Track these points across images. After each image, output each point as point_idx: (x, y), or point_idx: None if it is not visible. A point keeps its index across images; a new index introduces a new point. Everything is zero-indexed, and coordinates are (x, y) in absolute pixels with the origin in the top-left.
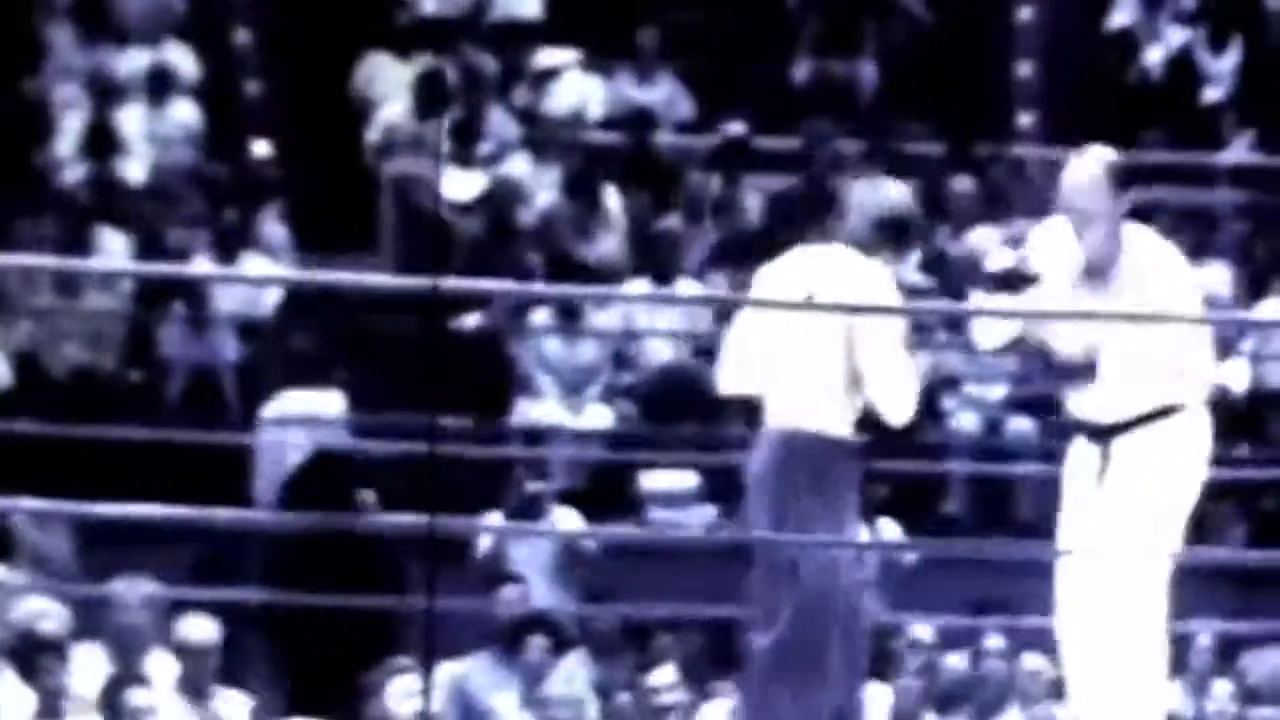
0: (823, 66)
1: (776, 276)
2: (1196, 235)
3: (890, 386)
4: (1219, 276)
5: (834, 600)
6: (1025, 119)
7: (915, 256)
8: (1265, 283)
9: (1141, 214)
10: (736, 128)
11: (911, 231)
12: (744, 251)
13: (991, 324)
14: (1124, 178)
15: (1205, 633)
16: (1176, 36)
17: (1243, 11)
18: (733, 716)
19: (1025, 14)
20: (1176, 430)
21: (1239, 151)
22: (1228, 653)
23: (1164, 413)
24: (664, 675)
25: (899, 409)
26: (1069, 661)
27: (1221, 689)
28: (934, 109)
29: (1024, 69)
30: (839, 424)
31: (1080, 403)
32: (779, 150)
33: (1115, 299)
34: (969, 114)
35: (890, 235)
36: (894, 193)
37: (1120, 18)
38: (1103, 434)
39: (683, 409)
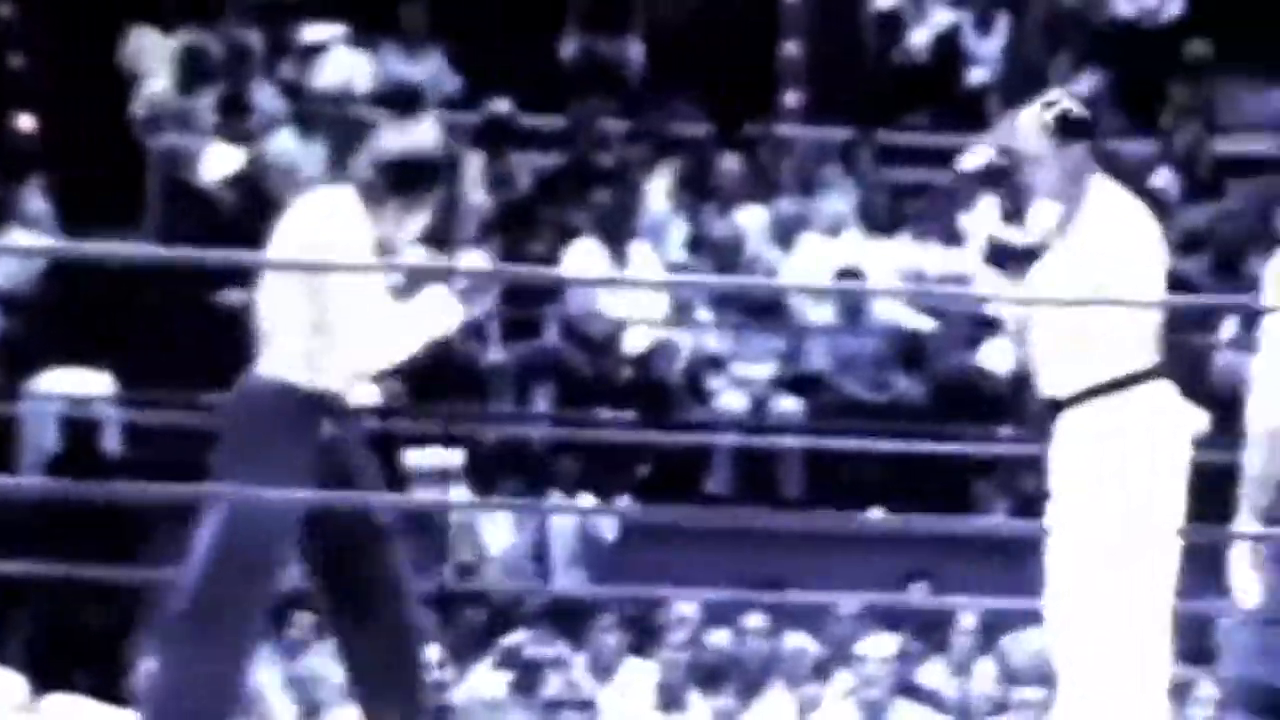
0: (590, 44)
1: (283, 221)
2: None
3: (357, 337)
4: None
5: (254, 555)
6: (791, 98)
7: (680, 234)
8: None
9: (904, 194)
10: (502, 105)
11: (427, 180)
12: (508, 227)
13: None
14: (1073, 127)
15: (965, 611)
16: (942, 18)
17: None
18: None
19: None
20: (1133, 404)
21: (1002, 133)
22: (991, 634)
23: (1119, 384)
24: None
25: (366, 361)
26: (1055, 644)
27: (985, 670)
28: (701, 88)
29: (790, 48)
30: (300, 372)
31: (1037, 372)
32: (545, 128)
33: (1068, 255)
34: (735, 93)
35: (399, 182)
36: (419, 137)
37: None
38: (1050, 409)
39: (447, 384)
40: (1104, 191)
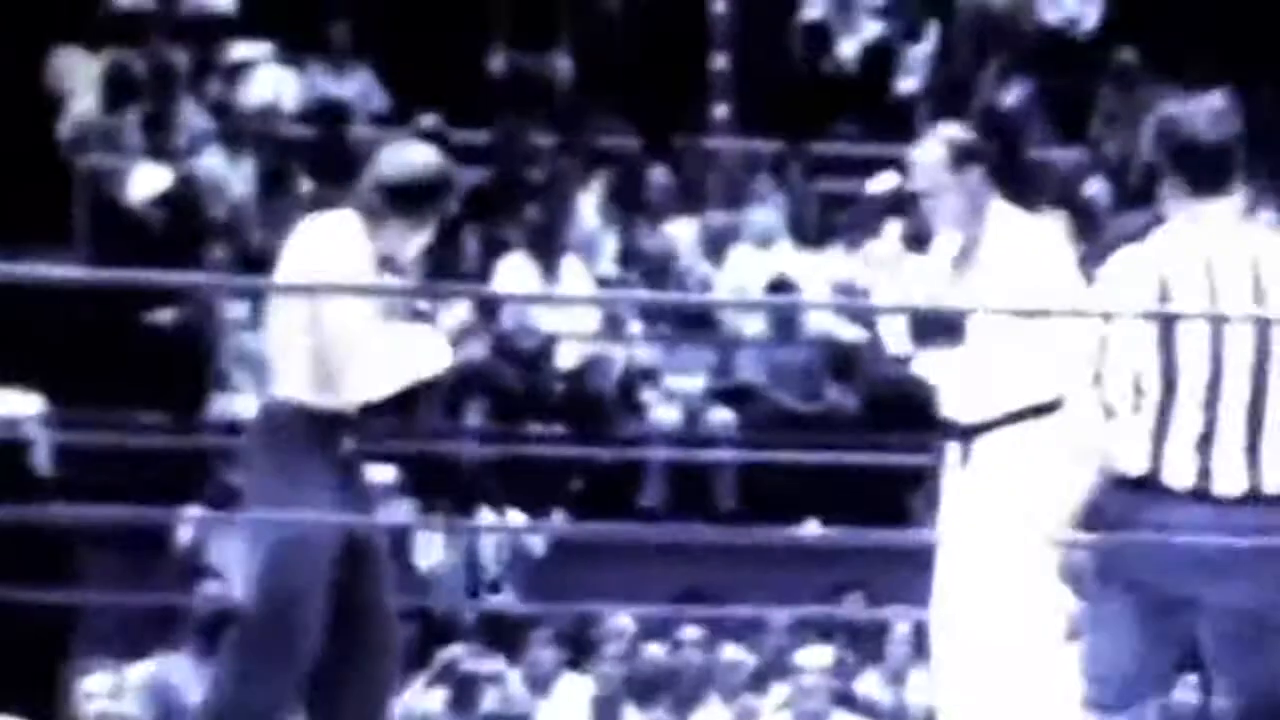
0: (517, 59)
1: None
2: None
3: (343, 361)
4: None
5: (296, 582)
6: (720, 110)
7: (611, 247)
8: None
9: (834, 205)
10: (431, 120)
11: (430, 200)
12: (439, 243)
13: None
14: (969, 155)
15: (901, 621)
16: (871, 28)
17: (936, 1)
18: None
19: (719, 6)
20: (1041, 433)
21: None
22: (925, 643)
23: (1031, 413)
24: None
25: (365, 386)
26: (938, 659)
27: (920, 678)
28: (629, 102)
29: (718, 61)
30: (317, 395)
31: (943, 401)
32: (473, 144)
33: (974, 283)
34: (664, 106)
35: (402, 203)
36: (417, 157)
37: (813, 11)
38: (963, 435)
39: (383, 401)
40: (1003, 215)
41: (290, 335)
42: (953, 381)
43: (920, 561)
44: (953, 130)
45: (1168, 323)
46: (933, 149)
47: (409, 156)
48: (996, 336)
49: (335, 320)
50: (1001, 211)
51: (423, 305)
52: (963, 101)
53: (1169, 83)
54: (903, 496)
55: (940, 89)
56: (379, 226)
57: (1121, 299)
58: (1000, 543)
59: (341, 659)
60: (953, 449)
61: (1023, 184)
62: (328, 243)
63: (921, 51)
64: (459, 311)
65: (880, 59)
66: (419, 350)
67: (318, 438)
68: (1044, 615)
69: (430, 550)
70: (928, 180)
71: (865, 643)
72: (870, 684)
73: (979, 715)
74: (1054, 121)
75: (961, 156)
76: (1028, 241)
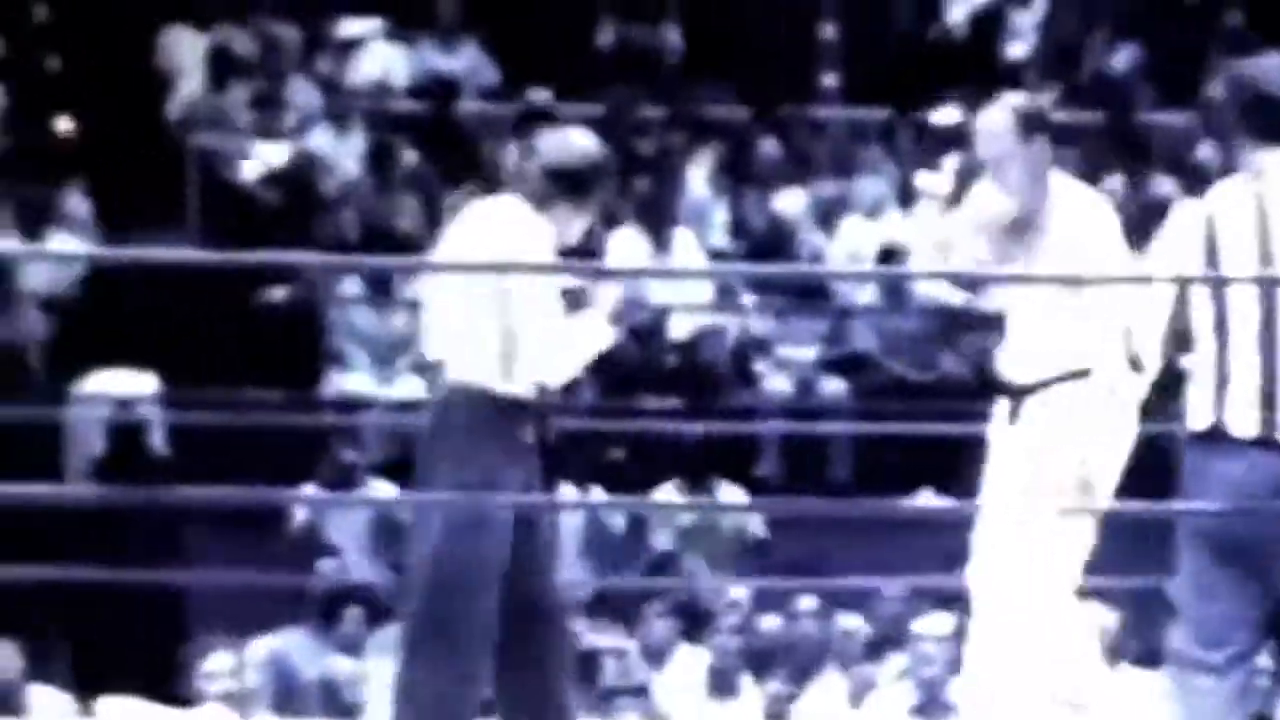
0: (625, 32)
1: (451, 230)
2: None
3: (539, 348)
4: None
5: (478, 563)
6: (828, 80)
7: (721, 219)
8: None
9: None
10: (541, 94)
11: (592, 184)
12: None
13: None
14: (1035, 123)
15: None
16: None
17: None
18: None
19: None
20: (1088, 394)
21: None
22: None
23: (1078, 375)
24: None
25: (549, 371)
26: (976, 620)
27: None
28: (737, 73)
29: (826, 30)
30: (500, 379)
31: (999, 360)
32: (583, 117)
33: (1040, 254)
34: (772, 77)
35: (567, 187)
36: (577, 143)
37: None
38: (1015, 393)
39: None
40: (1066, 187)
41: (475, 320)
42: (1008, 342)
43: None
44: (1018, 98)
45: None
46: (998, 117)
47: (572, 142)
48: (1052, 301)
49: (526, 304)
50: (1063, 183)
51: (578, 285)
52: (1072, 67)
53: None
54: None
55: (1049, 54)
56: (545, 211)
57: (1172, 254)
58: (1042, 501)
59: (514, 647)
60: (1002, 406)
61: (1132, 148)
62: (513, 226)
63: (1030, 17)
64: (614, 289)
65: (988, 25)
66: (589, 331)
67: (504, 424)
68: (1075, 574)
69: None
70: (993, 148)
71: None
72: None
73: (1009, 672)
74: (1164, 85)
75: (1027, 125)
76: (1088, 214)
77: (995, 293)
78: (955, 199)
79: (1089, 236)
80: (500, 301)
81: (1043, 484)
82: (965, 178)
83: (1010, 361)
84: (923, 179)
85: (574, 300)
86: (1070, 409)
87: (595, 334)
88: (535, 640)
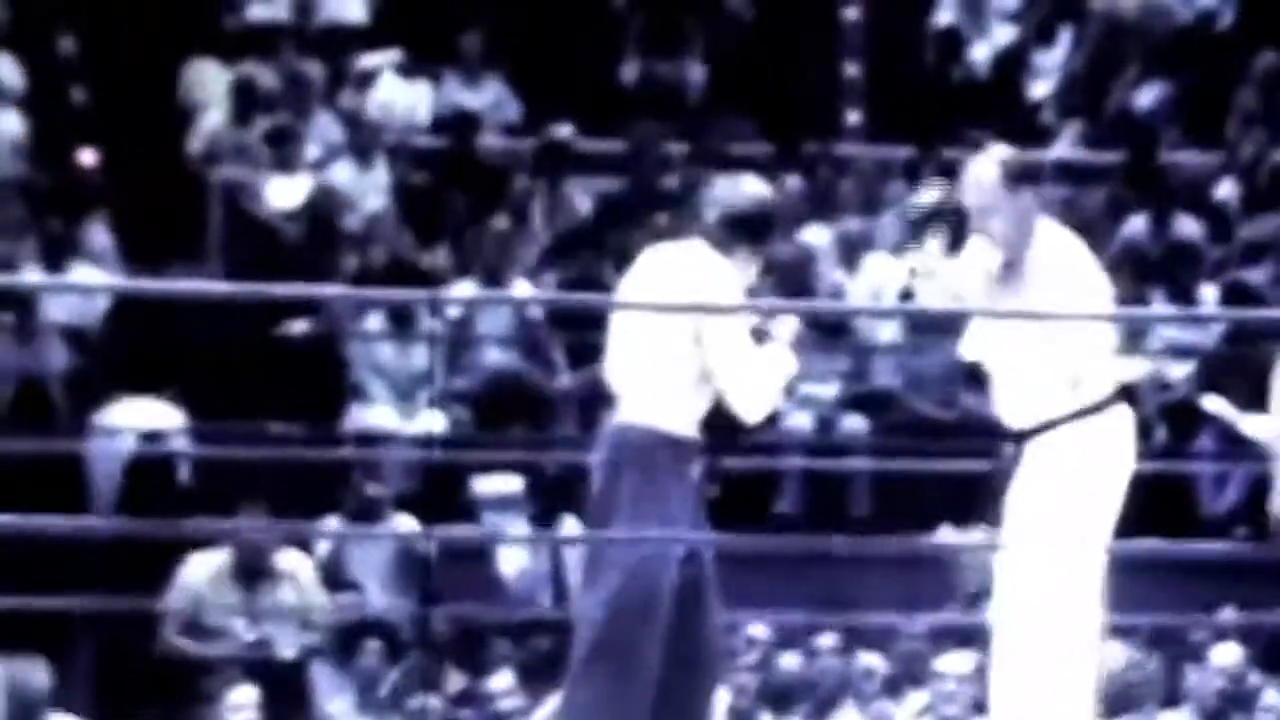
0: (649, 68)
1: (633, 273)
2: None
3: (739, 385)
4: None
5: (652, 600)
6: (852, 117)
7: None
8: None
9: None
10: (563, 130)
11: (768, 229)
12: (572, 252)
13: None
14: (1022, 174)
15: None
16: (1003, 34)
17: (1069, 4)
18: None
19: (850, 13)
20: (1090, 432)
21: (1064, 147)
22: None
23: (1078, 415)
24: (501, 681)
25: (751, 407)
26: (995, 658)
27: None
28: (761, 109)
29: (850, 68)
30: (677, 421)
31: (1000, 406)
32: (606, 152)
33: (1021, 299)
34: (795, 113)
35: (745, 232)
36: (751, 189)
37: (944, 16)
38: (1018, 438)
39: (514, 412)
40: (1050, 234)
41: (667, 361)
42: (1005, 387)
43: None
44: (1005, 150)
45: None
46: (987, 168)
47: (747, 189)
48: (1042, 344)
49: (724, 346)
50: (1049, 231)
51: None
52: (1095, 105)
53: None
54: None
55: (1073, 93)
56: (725, 255)
57: None
58: (1053, 542)
59: (673, 684)
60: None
61: (1155, 187)
62: (702, 270)
63: (1054, 55)
64: (790, 321)
65: (1012, 63)
66: (776, 364)
67: (679, 463)
68: (1093, 613)
69: (514, 558)
70: (981, 198)
71: None
72: None
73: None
74: (1189, 124)
75: (1015, 176)
76: (1072, 261)
77: (976, 343)
78: (953, 247)
79: (1071, 280)
80: (694, 345)
81: (1054, 524)
82: (951, 250)
83: (1007, 407)
84: (913, 260)
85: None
86: (1071, 449)
87: (782, 366)
88: (690, 678)
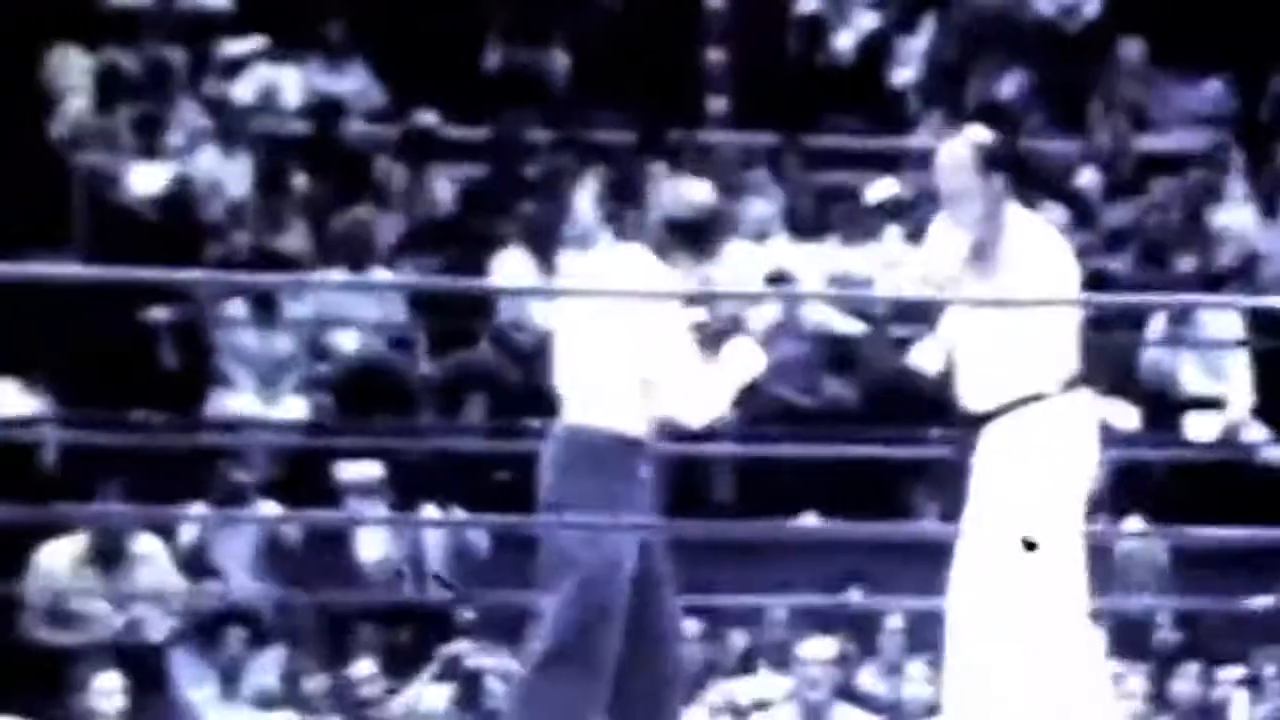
0: (513, 55)
1: (577, 273)
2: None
3: (681, 390)
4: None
5: (611, 601)
6: (716, 104)
7: (608, 242)
8: None
9: (830, 198)
10: (427, 117)
11: (711, 236)
12: (434, 240)
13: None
14: (995, 158)
15: (895, 613)
16: (866, 20)
17: None
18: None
19: (714, 0)
20: (1046, 417)
21: (927, 135)
22: (919, 632)
23: (1034, 399)
24: (363, 667)
25: (694, 412)
26: (950, 646)
27: (917, 670)
28: (624, 96)
29: (713, 54)
30: (625, 421)
31: (962, 388)
32: (470, 140)
33: (992, 283)
34: (660, 100)
35: (686, 238)
36: (695, 195)
37: (808, 3)
38: (974, 422)
39: (377, 399)
40: (1021, 220)
41: (610, 364)
42: (965, 371)
43: (919, 554)
44: (978, 133)
45: None
46: (958, 151)
47: (691, 194)
48: (1005, 328)
49: (670, 348)
50: (1019, 215)
51: (732, 312)
52: (959, 93)
53: (1167, 71)
54: (903, 489)
55: (936, 80)
56: (666, 260)
57: None
58: (1011, 527)
59: (630, 684)
60: (964, 435)
61: (1019, 174)
62: (643, 273)
63: (917, 43)
64: (767, 312)
65: (875, 51)
66: (737, 359)
67: (631, 463)
68: (1058, 598)
69: (372, 545)
70: (951, 182)
71: (863, 635)
72: (867, 677)
73: (991, 702)
74: (1050, 112)
75: (987, 160)
76: (1043, 245)
77: (946, 325)
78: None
79: (1042, 267)
80: (641, 347)
81: (1017, 510)
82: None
83: (967, 390)
84: (880, 256)
85: (711, 336)
86: (1030, 433)
87: (745, 357)
88: (650, 669)
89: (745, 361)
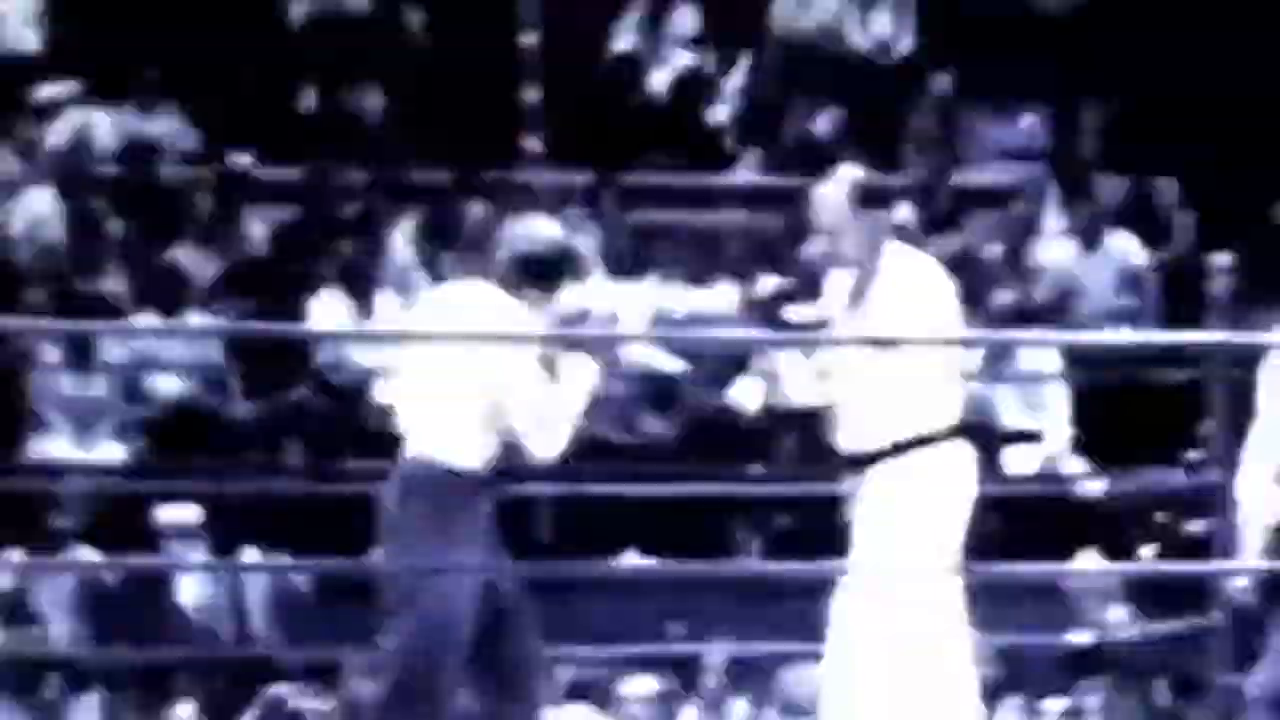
0: (327, 96)
1: (423, 309)
2: (703, 257)
3: (535, 424)
4: (726, 298)
5: (447, 637)
6: (532, 143)
7: (426, 282)
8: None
9: (648, 235)
10: (242, 159)
11: (561, 271)
12: (249, 281)
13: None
14: (871, 196)
15: (715, 653)
16: (682, 59)
17: (748, 31)
18: None
19: (529, 38)
20: (926, 460)
21: (744, 172)
22: (745, 670)
23: (915, 443)
24: (183, 712)
25: (545, 445)
26: (832, 689)
27: (740, 708)
28: (440, 136)
29: (529, 93)
30: (466, 456)
31: (837, 433)
32: (284, 180)
33: (867, 322)
34: (475, 139)
35: (536, 274)
36: (544, 232)
37: (623, 42)
38: (856, 465)
39: (195, 442)
40: (899, 255)
41: (456, 400)
42: (842, 413)
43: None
44: (856, 170)
45: None
46: (837, 188)
47: (537, 231)
48: (883, 369)
49: (518, 384)
50: (896, 250)
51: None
52: (775, 130)
53: (982, 106)
54: (723, 526)
55: (752, 118)
56: (516, 296)
57: None
58: (893, 568)
59: (486, 712)
60: (848, 479)
61: None
62: (493, 310)
63: (732, 81)
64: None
65: (691, 89)
66: (577, 382)
67: (470, 498)
68: (941, 639)
69: (193, 589)
70: (829, 218)
71: (685, 673)
72: (689, 716)
73: None
74: (865, 147)
75: (865, 197)
76: (920, 280)
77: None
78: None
79: (916, 306)
80: (487, 382)
81: (899, 551)
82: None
83: (846, 433)
84: (792, 313)
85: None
86: (912, 475)
87: (583, 378)
88: (507, 701)
89: (583, 375)
